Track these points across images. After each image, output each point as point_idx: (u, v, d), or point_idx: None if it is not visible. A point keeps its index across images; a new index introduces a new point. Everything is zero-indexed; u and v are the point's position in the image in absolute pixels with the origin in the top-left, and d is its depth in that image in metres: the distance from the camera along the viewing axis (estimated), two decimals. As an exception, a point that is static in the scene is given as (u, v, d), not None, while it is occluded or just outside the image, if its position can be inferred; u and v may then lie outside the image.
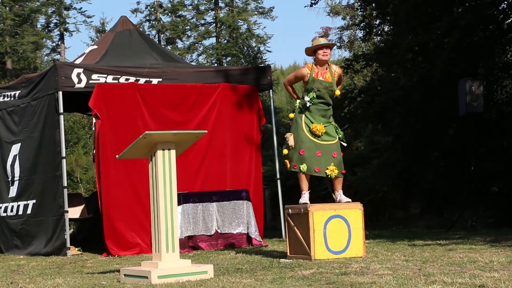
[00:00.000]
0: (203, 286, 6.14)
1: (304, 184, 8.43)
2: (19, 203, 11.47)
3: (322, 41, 8.58)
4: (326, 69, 8.56)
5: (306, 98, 8.45)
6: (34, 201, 11.21)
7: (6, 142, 11.82)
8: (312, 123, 8.42)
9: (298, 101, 8.61)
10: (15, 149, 11.58)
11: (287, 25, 66.06)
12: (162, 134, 6.91)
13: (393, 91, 17.11)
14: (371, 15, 18.90)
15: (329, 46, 8.54)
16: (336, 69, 8.67)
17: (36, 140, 11.17)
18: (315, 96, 8.44)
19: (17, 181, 11.53)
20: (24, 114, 11.47)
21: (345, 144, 8.61)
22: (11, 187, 11.66)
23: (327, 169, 8.36)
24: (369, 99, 17.77)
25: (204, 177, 11.16)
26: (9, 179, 11.69)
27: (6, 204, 11.74)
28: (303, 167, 8.36)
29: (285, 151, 8.54)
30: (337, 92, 8.64)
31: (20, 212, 11.43)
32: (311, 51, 8.55)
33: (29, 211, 11.29)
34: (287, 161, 8.54)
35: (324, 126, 8.43)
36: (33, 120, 11.24)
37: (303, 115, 8.48)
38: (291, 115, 8.69)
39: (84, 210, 12.72)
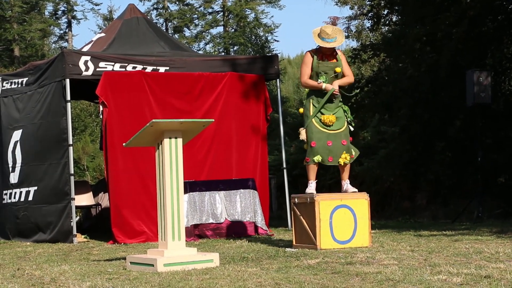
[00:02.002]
0: (209, 274, 6.16)
1: (312, 174, 8.43)
2: (21, 189, 11.50)
3: (330, 37, 8.33)
4: (330, 52, 8.49)
5: (319, 80, 8.39)
6: (35, 187, 11.24)
7: (8, 128, 11.84)
8: (322, 114, 8.38)
9: (306, 90, 8.58)
10: (17, 135, 11.60)
11: (294, 14, 65.91)
12: (169, 123, 6.91)
13: (401, 81, 17.07)
14: (379, 5, 18.83)
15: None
16: (340, 53, 8.61)
17: (39, 126, 11.19)
18: (326, 78, 8.39)
19: (19, 168, 11.56)
20: (29, 101, 11.49)
21: (352, 128, 8.56)
22: (12, 174, 11.70)
23: (340, 157, 8.38)
24: (376, 89, 17.73)
25: (210, 165, 11.17)
26: (10, 165, 11.72)
27: (11, 191, 11.78)
28: (317, 158, 8.33)
29: (306, 146, 8.51)
30: (338, 69, 8.48)
31: (22, 199, 11.47)
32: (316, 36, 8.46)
33: (30, 198, 11.33)
34: (307, 157, 8.51)
35: (334, 114, 8.39)
36: (36, 107, 11.26)
37: (311, 105, 8.42)
38: (301, 110, 8.62)
39: (90, 197, 12.75)
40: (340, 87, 8.46)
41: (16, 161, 11.63)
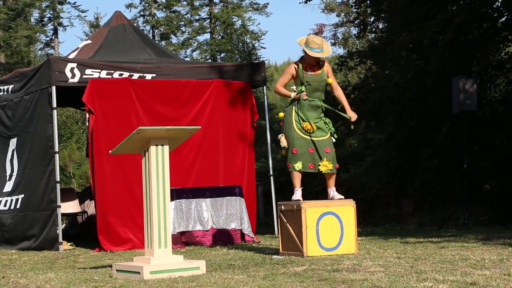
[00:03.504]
0: (195, 282, 6.14)
1: (297, 181, 8.42)
2: (12, 197, 11.47)
3: (317, 47, 8.35)
4: (315, 62, 8.51)
5: (301, 88, 8.38)
6: (22, 195, 11.20)
7: (3, 137, 11.80)
8: (303, 120, 8.38)
9: (290, 98, 8.57)
10: (13, 143, 11.58)
11: (281, 22, 66.08)
12: (156, 130, 6.90)
13: (387, 89, 17.14)
14: (365, 12, 18.92)
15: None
16: (325, 65, 8.60)
17: (31, 134, 11.16)
18: (306, 89, 8.38)
19: (15, 176, 11.53)
20: (17, 109, 11.45)
21: (334, 140, 8.56)
22: (8, 182, 11.66)
23: (320, 164, 8.36)
24: (362, 96, 17.80)
25: (197, 173, 11.16)
26: (8, 173, 11.68)
27: (1, 199, 11.73)
28: (298, 165, 8.34)
29: (284, 152, 8.51)
30: (330, 81, 8.51)
31: (12, 207, 11.44)
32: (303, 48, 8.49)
33: (18, 206, 11.29)
34: (288, 163, 8.52)
35: (315, 123, 8.38)
36: (26, 114, 11.22)
37: (293, 112, 8.41)
38: (281, 115, 8.62)
39: (76, 204, 12.71)
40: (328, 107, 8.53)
41: (13, 169, 11.59)
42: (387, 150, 17.69)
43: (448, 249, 8.20)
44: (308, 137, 8.35)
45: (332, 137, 8.51)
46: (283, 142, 8.43)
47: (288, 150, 8.41)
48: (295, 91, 8.40)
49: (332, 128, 8.54)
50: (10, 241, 11.44)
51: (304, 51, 8.41)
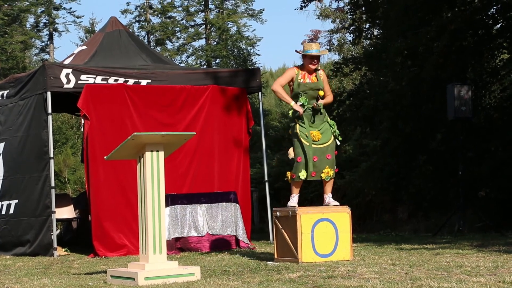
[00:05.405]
0: (190, 288, 6.14)
1: (296, 187, 8.44)
2: (3, 202, 11.42)
3: (313, 49, 8.48)
4: (313, 72, 8.55)
5: (299, 103, 8.41)
6: (16, 201, 11.17)
7: None
8: (308, 131, 8.40)
9: (291, 111, 8.59)
10: (0, 148, 11.54)
11: (276, 28, 66.08)
12: (151, 136, 6.90)
13: (382, 95, 17.14)
14: (361, 19, 18.95)
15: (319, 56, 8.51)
16: (321, 73, 8.65)
17: (21, 139, 11.13)
18: (306, 99, 8.42)
19: (1, 181, 11.48)
20: (10, 114, 11.43)
21: (339, 143, 8.58)
22: None
23: (323, 172, 8.38)
24: (357, 103, 17.80)
25: (192, 178, 11.15)
26: None
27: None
28: (302, 174, 8.34)
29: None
30: (321, 93, 8.53)
31: (4, 212, 11.39)
32: (301, 54, 8.57)
33: (11, 211, 11.25)
34: (289, 172, 8.52)
35: (319, 130, 8.41)
36: (18, 119, 11.20)
37: (297, 125, 8.45)
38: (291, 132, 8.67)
39: (71, 210, 12.68)
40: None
41: None
42: (382, 156, 17.68)
43: (443, 256, 8.20)
44: (313, 145, 8.35)
45: (336, 140, 8.53)
46: (291, 154, 8.48)
47: (294, 160, 8.43)
48: (298, 104, 8.40)
49: (337, 131, 8.57)
50: (5, 247, 11.40)
51: (303, 56, 8.47)
